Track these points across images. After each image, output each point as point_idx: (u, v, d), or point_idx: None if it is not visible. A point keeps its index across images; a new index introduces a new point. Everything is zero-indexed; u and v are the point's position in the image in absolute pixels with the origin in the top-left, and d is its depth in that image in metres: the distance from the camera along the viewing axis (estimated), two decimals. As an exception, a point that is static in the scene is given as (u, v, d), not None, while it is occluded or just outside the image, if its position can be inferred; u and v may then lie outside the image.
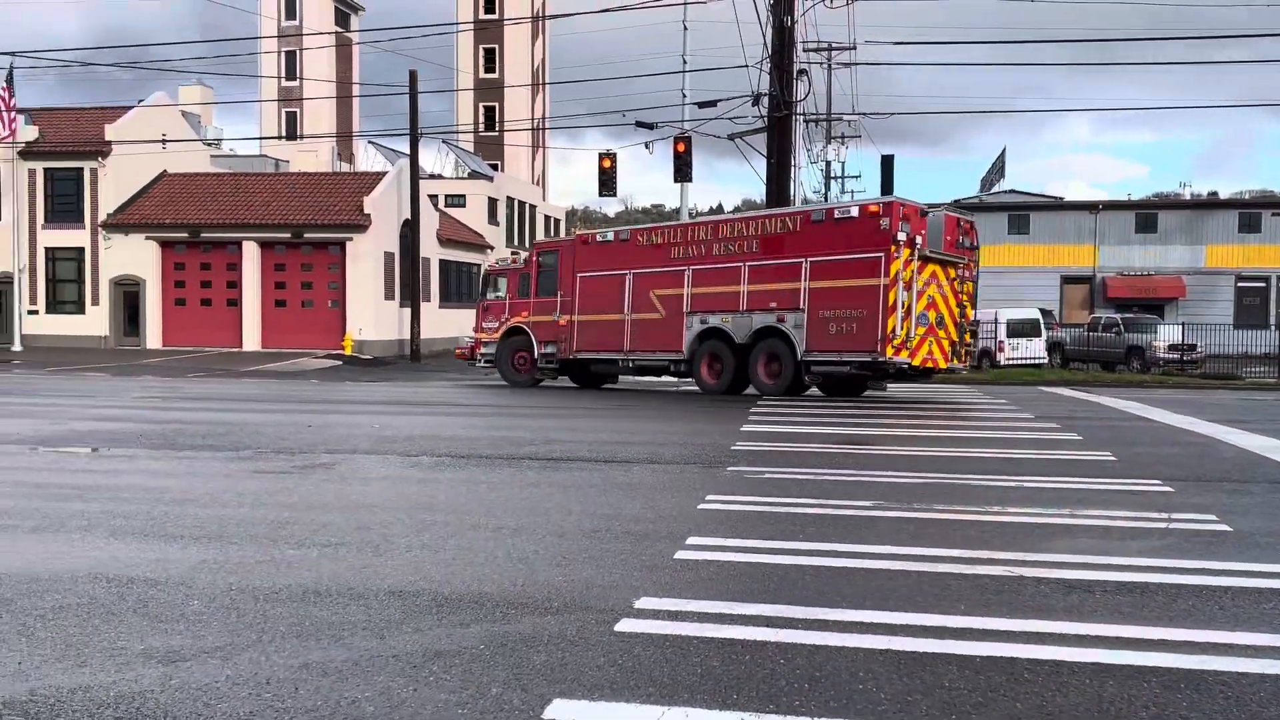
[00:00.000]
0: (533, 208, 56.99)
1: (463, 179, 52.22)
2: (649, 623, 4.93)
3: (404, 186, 39.64)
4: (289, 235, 38.96)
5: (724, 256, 19.28)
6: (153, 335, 40.28)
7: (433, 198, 46.58)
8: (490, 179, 52.60)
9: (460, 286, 46.04)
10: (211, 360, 34.24)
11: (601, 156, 29.71)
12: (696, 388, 20.31)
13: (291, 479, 9.29)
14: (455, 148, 56.03)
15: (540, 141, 74.67)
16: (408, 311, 38.57)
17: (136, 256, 39.92)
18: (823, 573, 5.83)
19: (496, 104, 70.56)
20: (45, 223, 39.98)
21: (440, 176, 52.33)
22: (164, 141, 40.57)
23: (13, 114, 37.96)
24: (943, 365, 17.85)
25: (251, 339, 39.61)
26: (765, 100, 25.75)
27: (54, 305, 40.59)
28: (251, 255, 39.46)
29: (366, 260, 38.56)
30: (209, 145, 47.80)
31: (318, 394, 21.26)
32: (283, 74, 67.19)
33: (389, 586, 5.68)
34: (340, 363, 34.58)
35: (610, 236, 21.70)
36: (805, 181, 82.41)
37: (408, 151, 38.51)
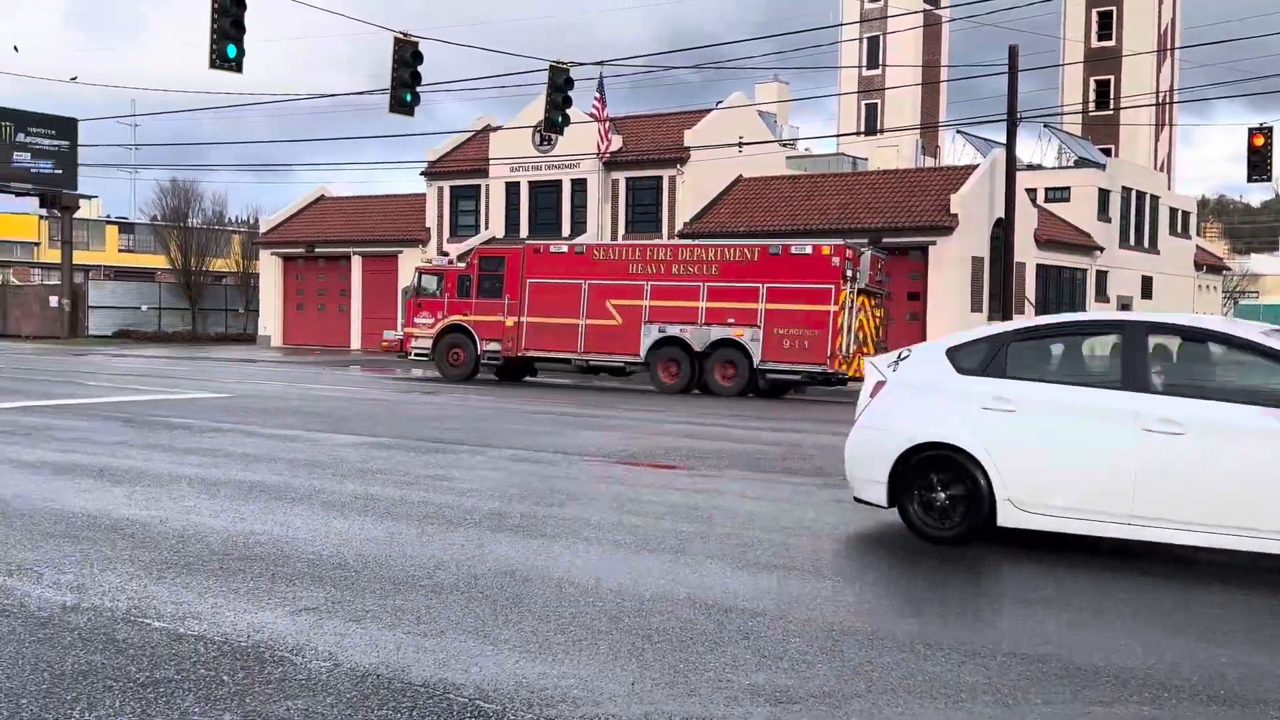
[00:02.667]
0: (1154, 199, 53.20)
1: (1067, 168, 50.24)
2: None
3: (997, 180, 39.05)
4: (865, 240, 40.24)
5: (684, 276, 25.31)
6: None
7: (1030, 192, 45.37)
8: (1101, 166, 50.01)
9: (1061, 295, 44.28)
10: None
11: (1253, 132, 26.96)
12: (651, 386, 25.86)
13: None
14: (1058, 132, 54.10)
15: (1166, 119, 69.53)
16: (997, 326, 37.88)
17: (710, 266, 43.73)
18: None
19: (1111, 77, 67.01)
20: (626, 233, 45.36)
21: (1039, 167, 50.86)
22: (740, 145, 44.02)
23: (606, 124, 43.49)
24: (862, 375, 24.46)
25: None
26: None
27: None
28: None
29: (952, 266, 38.57)
30: (784, 146, 51.05)
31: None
32: (863, 63, 69.78)
33: (1008, 647, 5.54)
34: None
35: (565, 249, 27.86)
36: None
37: (1002, 140, 37.89)
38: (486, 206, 46.20)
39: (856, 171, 48.00)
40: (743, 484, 11.08)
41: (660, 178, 45.61)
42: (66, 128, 52.15)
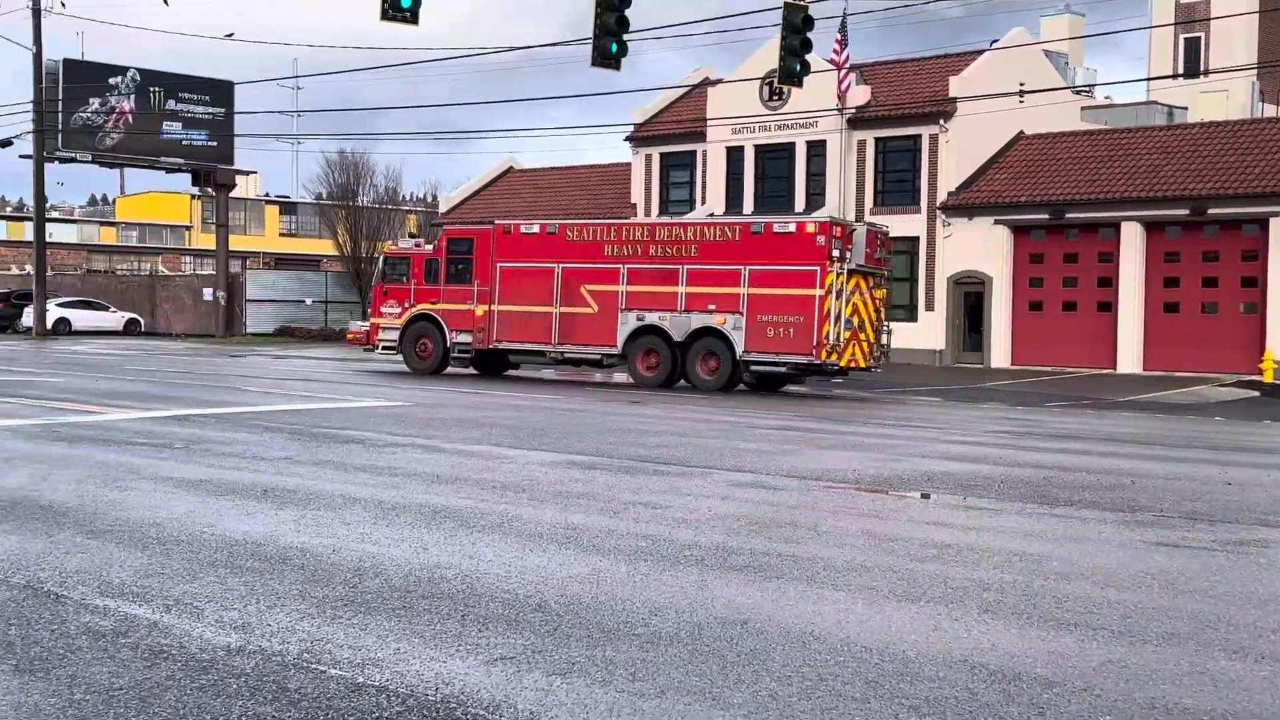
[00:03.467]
0: None
1: None
2: None
3: (1362, 132, 36.90)
4: (1185, 212, 38.67)
5: (661, 258, 27.37)
6: (998, 349, 42.87)
7: None
8: None
9: None
10: (1074, 385, 35.35)
11: None
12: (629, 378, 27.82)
13: (1214, 558, 9.15)
14: None
15: None
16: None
17: (981, 246, 42.86)
18: None
19: None
20: (874, 206, 44.88)
21: None
22: (1021, 93, 42.94)
23: (846, 70, 43.07)
24: (863, 365, 26.77)
25: (1129, 357, 40.05)
26: None
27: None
28: (1132, 241, 39.93)
29: (1300, 245, 36.67)
30: (1078, 94, 49.52)
31: (1228, 437, 20.74)
32: (1179, -15, 66.92)
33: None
34: (1257, 393, 33.31)
35: (536, 229, 29.71)
36: None
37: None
38: (704, 176, 46.56)
39: (1173, 125, 46.14)
40: (1020, 518, 10.83)
41: (918, 137, 45.03)
42: (222, 93, 55.08)
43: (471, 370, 31.89)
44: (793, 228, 26.38)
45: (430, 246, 32.52)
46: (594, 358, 29.41)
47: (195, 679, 5.84)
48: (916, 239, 44.31)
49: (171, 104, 53.59)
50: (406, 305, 31.21)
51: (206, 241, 74.48)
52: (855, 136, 44.98)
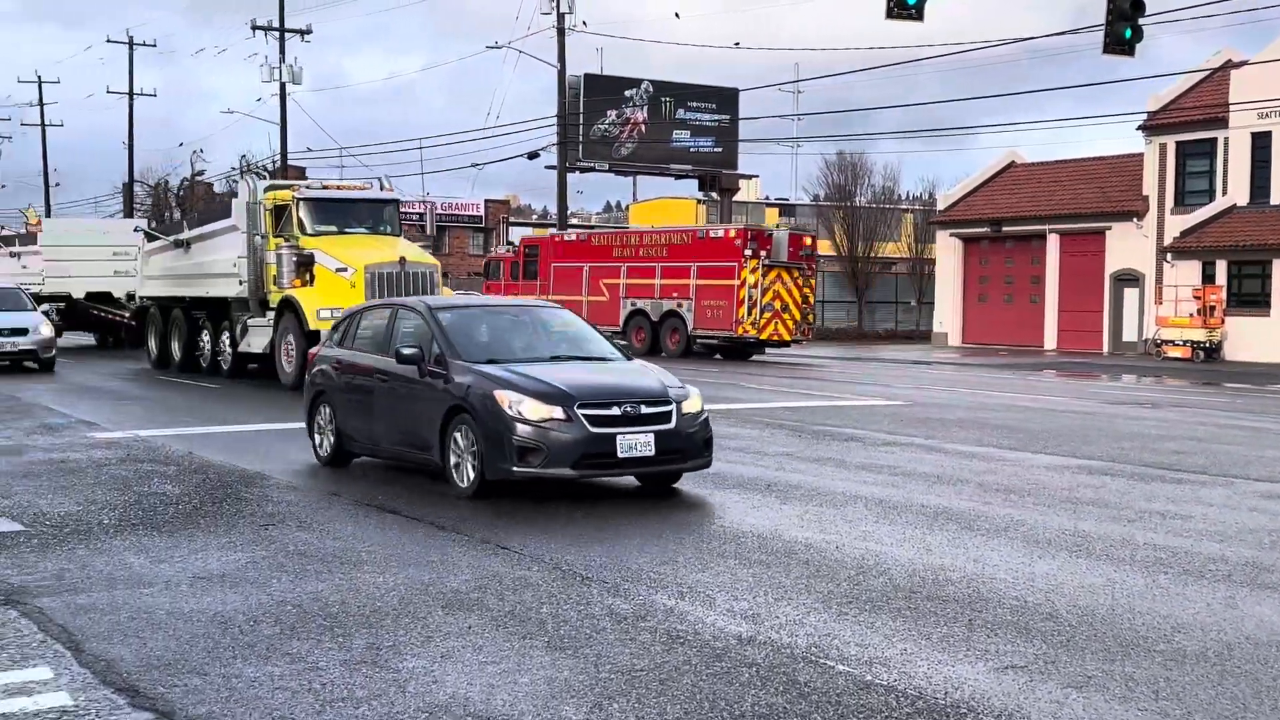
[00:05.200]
0: None
1: None
2: None
3: None
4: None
5: (646, 258, 36.04)
6: None
7: None
8: None
9: None
10: None
11: None
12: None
13: None
14: None
15: None
16: None
17: None
18: None
19: None
20: None
21: None
22: None
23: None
24: (787, 338, 35.01)
25: None
26: None
27: None
28: None
29: None
30: None
31: None
32: None
33: None
34: None
35: (573, 237, 40.39)
36: None
37: None
38: (1224, 165, 43.46)
39: None
40: None
41: None
42: (726, 100, 56.84)
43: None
44: (720, 233, 35.11)
45: (513, 251, 42.44)
46: (606, 335, 36.60)
47: (709, 665, 6.02)
48: None
49: (680, 113, 55.87)
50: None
51: (710, 244, 77.44)
52: (1402, 117, 40.62)
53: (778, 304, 34.19)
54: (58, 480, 11.67)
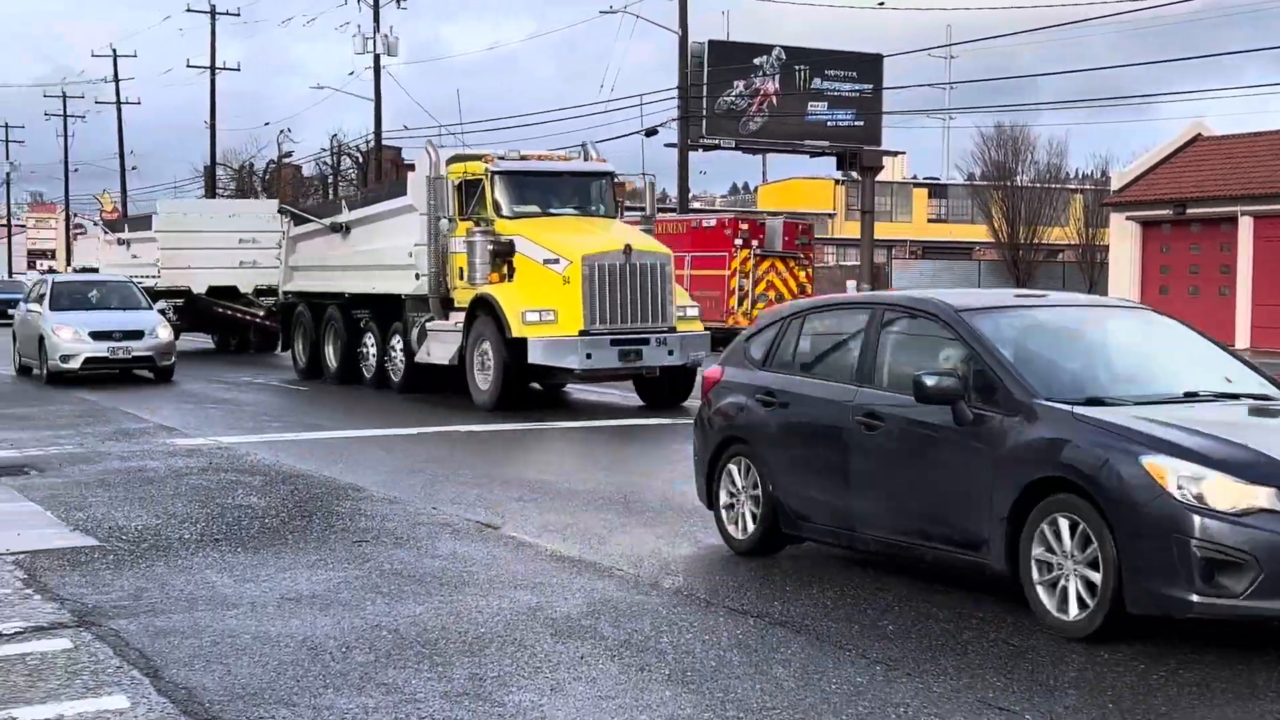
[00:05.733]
0: None
1: None
2: None
3: None
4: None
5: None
6: None
7: None
8: None
9: None
10: None
11: None
12: None
13: None
14: None
15: None
16: None
17: None
18: None
19: None
20: None
21: None
22: None
23: None
24: None
25: None
26: None
27: None
28: None
29: None
30: None
31: None
32: None
33: None
34: None
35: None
36: None
37: None
38: None
39: None
40: None
41: None
42: (870, 68, 56.32)
43: None
44: (712, 222, 39.17)
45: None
46: None
47: (850, 704, 5.99)
48: None
49: (816, 82, 55.28)
50: None
51: (850, 230, 76.67)
52: None
53: (771, 294, 36.37)
54: (135, 491, 11.97)
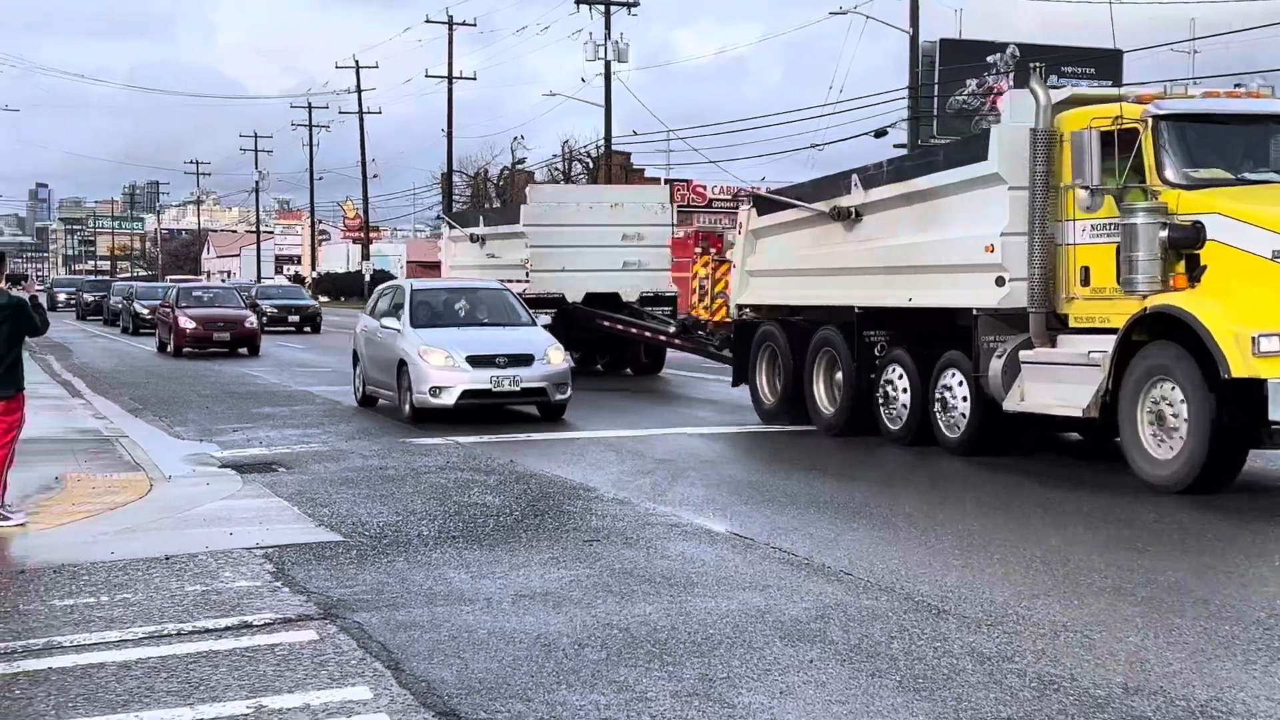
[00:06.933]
0: None
1: None
2: None
3: None
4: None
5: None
6: None
7: None
8: None
9: None
10: None
11: None
12: None
13: None
14: None
15: None
16: None
17: None
18: None
19: None
20: None
21: None
22: None
23: None
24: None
25: None
26: None
27: None
28: None
29: None
30: None
31: None
32: None
33: None
34: None
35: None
36: None
37: None
38: None
39: None
40: None
41: None
42: (1109, 64, 54.86)
43: None
44: (681, 234, 39.79)
45: None
46: None
47: (1089, 717, 5.85)
48: None
49: (1052, 79, 54.21)
50: None
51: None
52: None
53: (730, 292, 39.48)
54: (376, 489, 12.34)
